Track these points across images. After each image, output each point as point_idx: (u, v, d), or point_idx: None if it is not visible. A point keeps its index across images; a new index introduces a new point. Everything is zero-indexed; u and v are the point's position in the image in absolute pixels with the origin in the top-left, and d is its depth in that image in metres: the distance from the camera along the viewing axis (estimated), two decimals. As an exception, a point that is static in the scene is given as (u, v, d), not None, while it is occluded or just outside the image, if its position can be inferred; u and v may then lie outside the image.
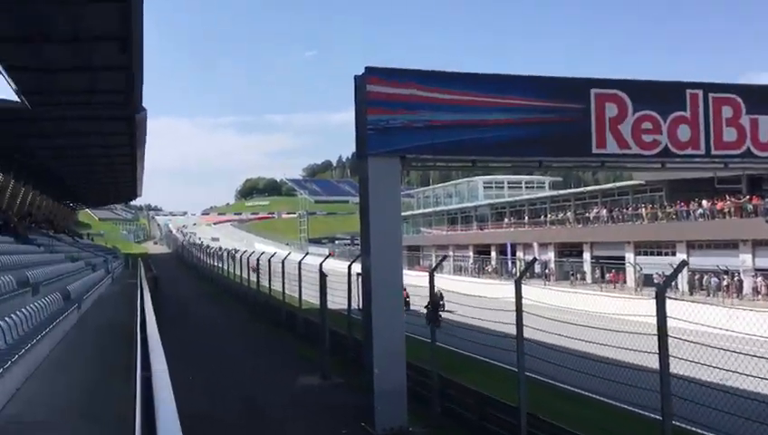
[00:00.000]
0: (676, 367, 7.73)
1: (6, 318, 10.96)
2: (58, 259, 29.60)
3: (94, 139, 33.71)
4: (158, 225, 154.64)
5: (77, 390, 9.56)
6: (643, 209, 40.50)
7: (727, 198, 34.49)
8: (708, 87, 12.21)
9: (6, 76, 21.54)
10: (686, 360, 7.84)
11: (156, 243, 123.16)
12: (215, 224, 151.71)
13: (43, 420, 8.01)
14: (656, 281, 32.01)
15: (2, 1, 16.06)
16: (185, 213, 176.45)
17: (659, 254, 38.50)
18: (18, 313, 11.99)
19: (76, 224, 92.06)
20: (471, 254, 57.35)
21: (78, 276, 26.49)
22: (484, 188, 65.27)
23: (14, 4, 16.25)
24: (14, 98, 24.41)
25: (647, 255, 39.39)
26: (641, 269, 35.89)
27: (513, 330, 9.76)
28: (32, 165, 41.79)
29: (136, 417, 4.62)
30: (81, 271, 30.25)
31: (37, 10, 16.90)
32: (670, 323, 7.66)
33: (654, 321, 7.68)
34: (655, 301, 7.69)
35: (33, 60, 20.37)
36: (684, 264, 8.92)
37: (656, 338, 7.65)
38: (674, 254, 36.81)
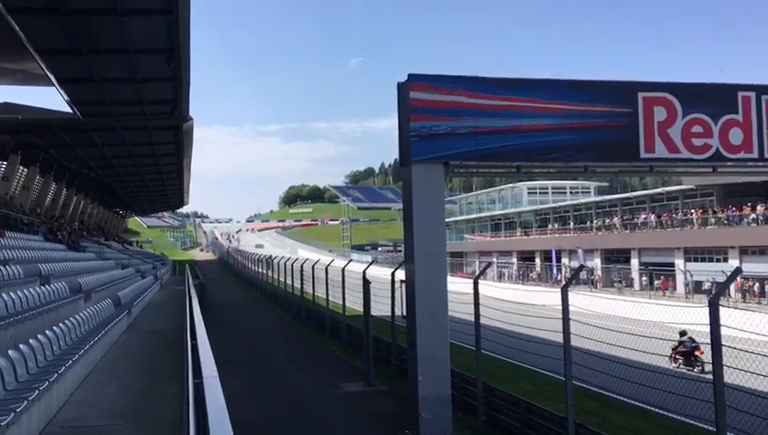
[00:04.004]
0: (731, 377, 7.50)
1: (60, 324, 11.28)
2: (109, 266, 30.35)
3: (142, 148, 34.64)
4: (205, 232, 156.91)
5: (129, 394, 9.77)
6: (694, 214, 39.57)
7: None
8: (761, 89, 11.80)
9: (59, 87, 22.31)
10: (741, 370, 7.60)
11: (202, 250, 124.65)
12: (259, 231, 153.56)
13: (97, 424, 8.19)
14: (706, 288, 31.29)
15: (53, 14, 16.67)
16: (230, 220, 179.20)
17: (711, 260, 37.57)
18: (72, 319, 12.34)
19: (125, 231, 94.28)
20: (515, 260, 56.79)
21: (128, 283, 27.15)
22: (529, 193, 64.70)
23: (64, 17, 16.82)
24: (67, 109, 25.29)
25: (697, 261, 38.45)
26: (692, 276, 35.05)
27: (560, 338, 9.61)
28: (83, 174, 43.13)
29: (189, 424, 4.68)
30: (131, 277, 31.01)
31: (86, 22, 17.46)
32: (724, 331, 7.43)
33: (707, 329, 7.47)
34: (708, 309, 7.47)
35: (84, 71, 21.03)
36: (738, 271, 8.61)
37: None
38: (726, 260, 35.87)
